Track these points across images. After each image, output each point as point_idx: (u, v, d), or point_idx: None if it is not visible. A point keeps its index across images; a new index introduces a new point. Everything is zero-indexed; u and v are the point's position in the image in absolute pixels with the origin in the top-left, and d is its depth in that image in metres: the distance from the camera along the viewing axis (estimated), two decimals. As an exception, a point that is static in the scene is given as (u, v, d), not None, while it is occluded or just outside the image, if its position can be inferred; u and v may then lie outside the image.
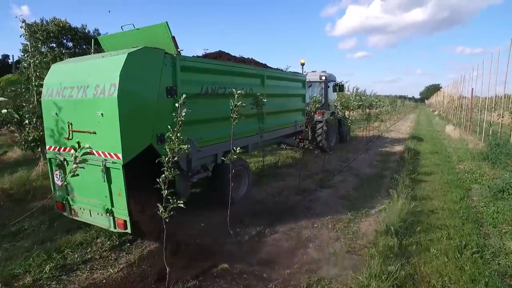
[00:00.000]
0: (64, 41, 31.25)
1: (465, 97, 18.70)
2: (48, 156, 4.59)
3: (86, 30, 32.60)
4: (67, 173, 4.39)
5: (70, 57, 6.57)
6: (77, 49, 30.75)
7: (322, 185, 7.28)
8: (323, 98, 11.65)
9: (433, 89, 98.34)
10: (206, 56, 6.11)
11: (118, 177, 3.79)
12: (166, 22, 4.40)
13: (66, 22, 31.10)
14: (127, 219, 3.85)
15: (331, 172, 8.35)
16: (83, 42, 31.61)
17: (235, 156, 4.31)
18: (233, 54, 6.67)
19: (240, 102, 4.45)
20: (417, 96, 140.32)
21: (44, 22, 30.61)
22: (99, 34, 30.61)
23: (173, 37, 4.47)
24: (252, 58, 7.20)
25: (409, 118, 32.37)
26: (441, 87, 51.31)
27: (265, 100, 5.80)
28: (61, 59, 6.60)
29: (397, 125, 24.17)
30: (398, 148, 12.77)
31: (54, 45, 28.81)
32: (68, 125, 4.16)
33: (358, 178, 8.06)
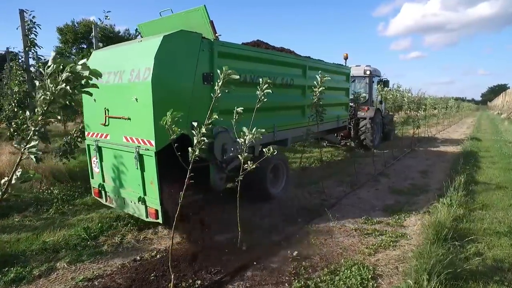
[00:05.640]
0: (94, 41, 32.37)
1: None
2: (86, 142, 4.62)
3: (116, 30, 33.12)
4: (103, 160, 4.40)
5: None
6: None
7: None
8: (367, 94, 11.02)
9: (498, 90, 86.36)
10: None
11: (150, 164, 3.66)
12: (204, 5, 4.22)
13: (94, 22, 32.10)
14: (159, 208, 3.71)
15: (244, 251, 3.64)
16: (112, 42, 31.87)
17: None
18: (272, 44, 6.39)
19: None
20: (478, 98, 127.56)
21: (75, 24, 31.87)
22: (129, 34, 30.69)
23: (211, 22, 4.28)
24: (292, 50, 6.86)
25: (466, 123, 26.27)
26: (508, 87, 42.72)
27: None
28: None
29: (447, 131, 18.69)
30: (437, 173, 7.58)
31: (85, 45, 29.80)
32: (105, 111, 4.12)
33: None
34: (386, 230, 4.33)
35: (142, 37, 5.15)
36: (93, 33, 6.75)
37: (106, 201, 4.56)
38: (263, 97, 3.58)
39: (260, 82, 3.61)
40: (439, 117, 21.85)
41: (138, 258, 3.65)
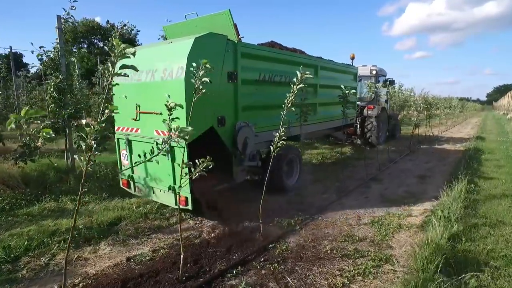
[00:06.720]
0: (95, 40, 31.67)
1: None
2: (116, 136, 4.95)
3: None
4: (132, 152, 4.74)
5: (100, 56, 6.70)
6: (106, 48, 30.83)
7: None
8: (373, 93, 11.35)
9: (503, 90, 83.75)
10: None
11: (181, 155, 3.99)
12: (229, 9, 4.55)
13: (93, 21, 31.35)
14: (189, 196, 4.04)
15: None
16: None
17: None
18: (284, 45, 6.73)
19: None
20: (483, 98, 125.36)
21: (76, 24, 31.92)
22: (129, 33, 30.38)
23: (235, 24, 4.61)
24: (303, 51, 7.20)
25: (470, 123, 25.15)
26: (515, 86, 40.64)
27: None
28: (89, 59, 6.91)
29: (451, 132, 17.53)
30: (436, 179, 6.79)
31: (85, 45, 29.58)
32: (136, 106, 4.45)
33: None
34: (369, 250, 3.64)
35: (166, 38, 5.48)
36: (56, 24, 6.22)
37: (134, 191, 4.90)
38: (200, 87, 3.04)
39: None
40: (441, 117, 21.02)
41: (55, 287, 3.02)
